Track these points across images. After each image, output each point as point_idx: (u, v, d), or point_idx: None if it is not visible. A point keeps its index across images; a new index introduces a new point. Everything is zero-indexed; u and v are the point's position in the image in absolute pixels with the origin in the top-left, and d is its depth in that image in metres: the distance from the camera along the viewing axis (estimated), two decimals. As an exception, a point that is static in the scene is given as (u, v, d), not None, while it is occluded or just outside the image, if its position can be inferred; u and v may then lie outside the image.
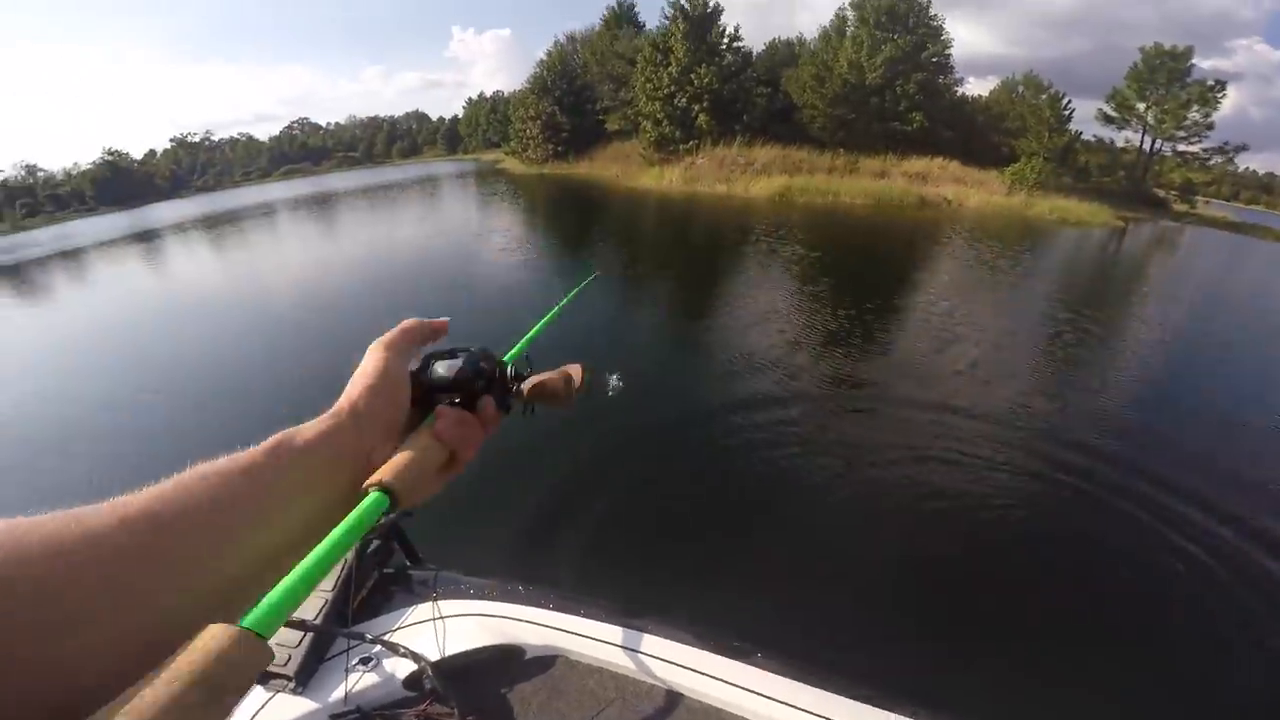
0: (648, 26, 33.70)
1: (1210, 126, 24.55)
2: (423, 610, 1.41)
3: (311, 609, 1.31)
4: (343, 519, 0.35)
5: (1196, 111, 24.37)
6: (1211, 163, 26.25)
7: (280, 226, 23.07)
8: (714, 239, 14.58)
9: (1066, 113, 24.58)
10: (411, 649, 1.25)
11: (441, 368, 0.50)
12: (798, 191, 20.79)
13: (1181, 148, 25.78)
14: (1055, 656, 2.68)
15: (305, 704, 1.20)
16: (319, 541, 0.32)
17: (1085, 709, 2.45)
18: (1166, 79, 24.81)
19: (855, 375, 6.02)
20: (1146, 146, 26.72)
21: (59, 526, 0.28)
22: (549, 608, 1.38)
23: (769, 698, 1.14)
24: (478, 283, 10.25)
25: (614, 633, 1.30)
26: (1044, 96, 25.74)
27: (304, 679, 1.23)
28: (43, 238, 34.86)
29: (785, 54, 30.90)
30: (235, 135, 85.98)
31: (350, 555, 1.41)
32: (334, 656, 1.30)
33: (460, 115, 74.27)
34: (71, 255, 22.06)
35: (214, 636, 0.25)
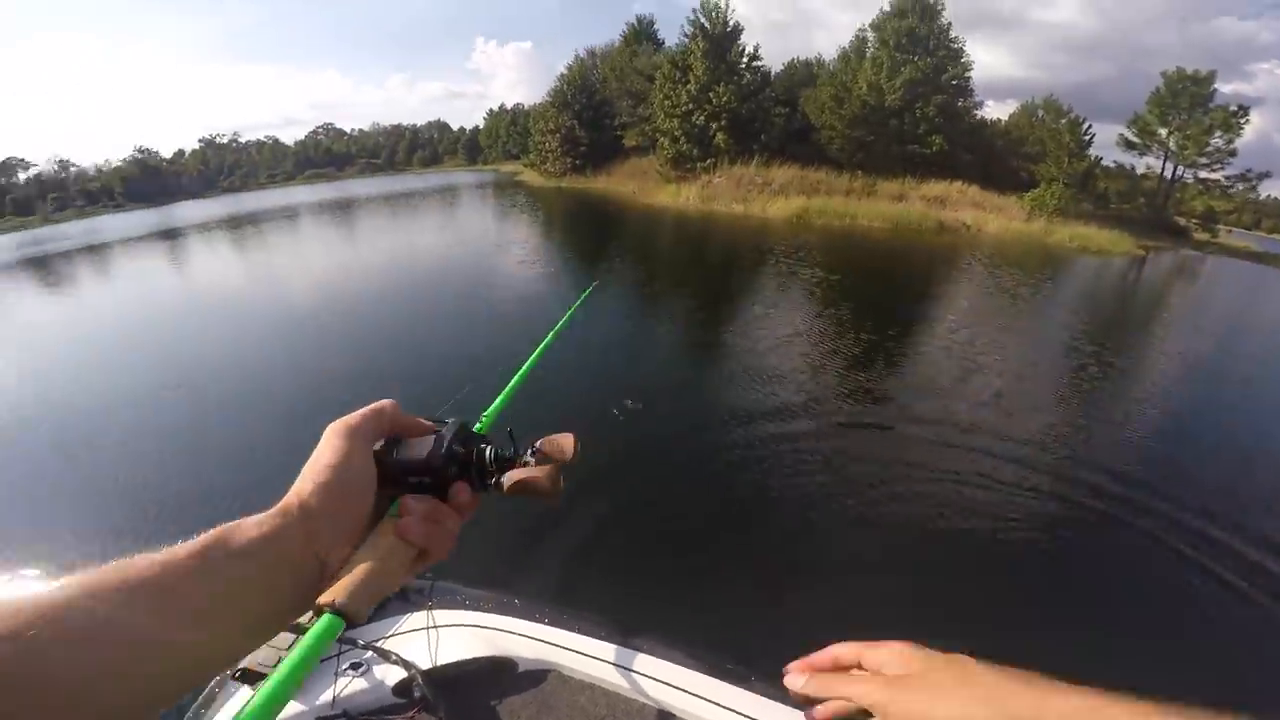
0: (667, 44, 34.07)
1: (1233, 153, 24.36)
2: (417, 619, 1.40)
3: None
4: (283, 627, 0.33)
5: (1219, 137, 24.17)
6: (1233, 190, 25.94)
7: (304, 230, 23.52)
8: (731, 258, 14.65)
9: (1087, 137, 24.44)
10: (403, 656, 1.25)
11: (410, 448, 0.45)
12: (815, 213, 20.82)
13: (1203, 174, 25.56)
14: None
15: (292, 706, 1.19)
16: (251, 650, 0.31)
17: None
18: (1189, 104, 24.65)
19: (877, 401, 6.02)
20: (1168, 173, 26.52)
21: None
22: (544, 622, 1.37)
23: None
24: (496, 293, 10.40)
25: (608, 650, 1.28)
26: (1064, 121, 25.62)
27: None
28: (72, 231, 35.82)
29: (804, 74, 31.11)
30: (262, 138, 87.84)
31: None
32: (325, 660, 1.27)
33: (481, 126, 75.71)
34: (98, 250, 22.63)
35: None
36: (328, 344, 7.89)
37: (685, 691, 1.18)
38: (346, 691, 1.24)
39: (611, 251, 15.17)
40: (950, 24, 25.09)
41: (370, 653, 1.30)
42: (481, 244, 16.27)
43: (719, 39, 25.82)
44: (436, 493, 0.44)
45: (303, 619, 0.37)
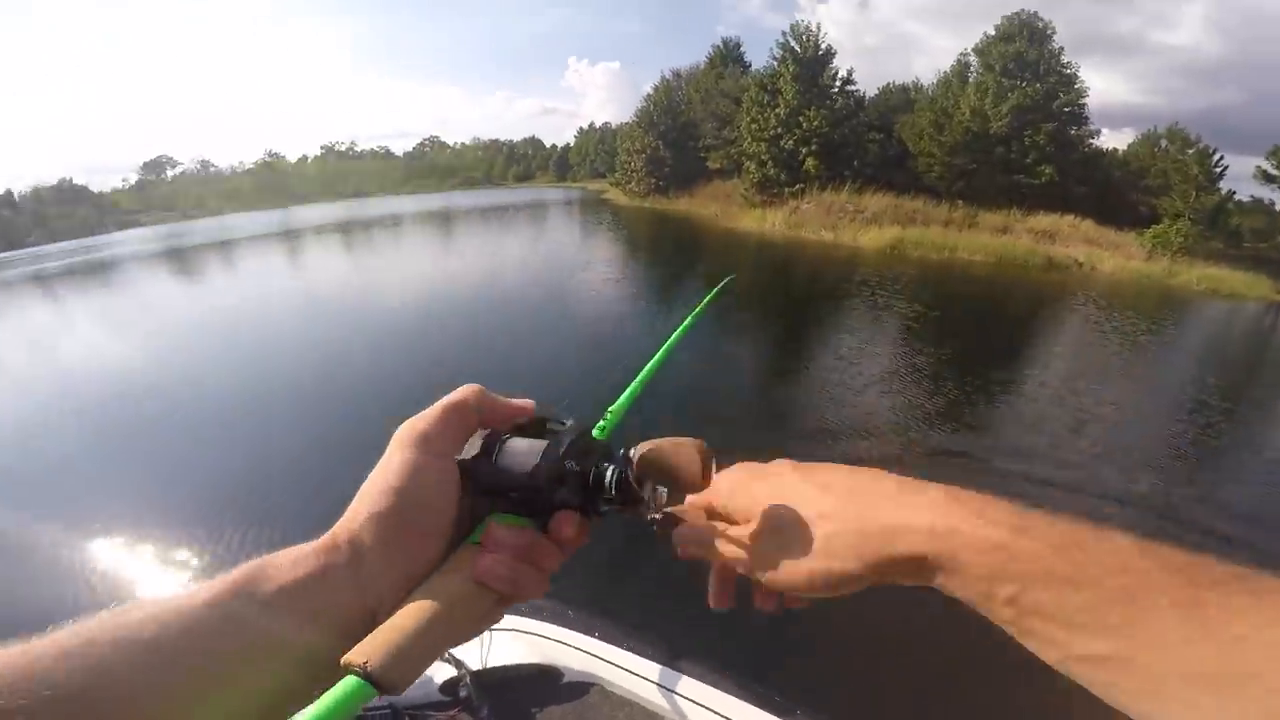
0: (753, 66, 34.14)
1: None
2: None
3: None
4: (312, 701, 0.25)
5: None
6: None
7: (409, 236, 25.64)
8: (822, 288, 14.45)
9: (1218, 170, 22.22)
10: (455, 655, 1.27)
11: (513, 454, 0.36)
12: (911, 244, 20.04)
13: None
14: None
15: None
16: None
17: None
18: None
19: (984, 447, 5.80)
20: (1315, 211, 23.68)
21: None
22: (594, 635, 1.36)
23: None
24: (584, 308, 10.85)
25: (653, 669, 1.27)
26: (1191, 151, 23.39)
27: None
28: (202, 227, 40.52)
29: (900, 99, 30.27)
30: (374, 148, 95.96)
31: None
32: None
33: (571, 144, 79.13)
34: (227, 246, 25.47)
35: None
36: (425, 351, 8.53)
37: (727, 719, 1.17)
38: None
39: (700, 272, 15.37)
40: (1062, 48, 23.79)
41: None
42: (572, 261, 17.09)
43: (810, 63, 25.56)
44: (536, 515, 0.36)
45: None
